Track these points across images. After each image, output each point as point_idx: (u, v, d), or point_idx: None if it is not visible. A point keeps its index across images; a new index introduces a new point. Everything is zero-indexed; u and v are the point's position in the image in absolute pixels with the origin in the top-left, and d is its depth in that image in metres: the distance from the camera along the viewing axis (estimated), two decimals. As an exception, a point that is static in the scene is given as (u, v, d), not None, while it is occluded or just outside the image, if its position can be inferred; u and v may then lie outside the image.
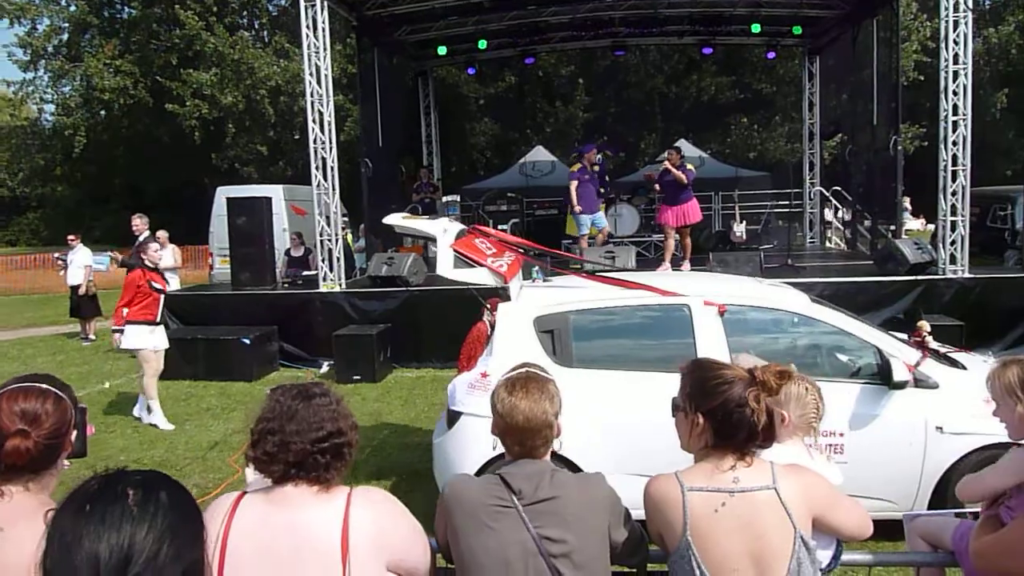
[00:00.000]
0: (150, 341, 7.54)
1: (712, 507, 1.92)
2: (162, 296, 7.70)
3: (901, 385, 4.24)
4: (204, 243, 16.60)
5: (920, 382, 4.30)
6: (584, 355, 4.65)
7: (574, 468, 4.20)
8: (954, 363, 4.70)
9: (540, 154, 19.10)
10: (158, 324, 7.66)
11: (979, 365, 4.63)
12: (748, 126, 28.20)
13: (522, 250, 5.73)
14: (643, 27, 15.24)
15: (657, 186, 10.86)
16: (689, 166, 10.57)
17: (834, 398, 4.26)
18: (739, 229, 13.64)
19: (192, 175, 29.59)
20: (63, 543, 1.14)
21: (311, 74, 10.46)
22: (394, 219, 5.62)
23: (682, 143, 18.53)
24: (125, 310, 7.48)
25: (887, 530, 3.60)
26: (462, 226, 5.40)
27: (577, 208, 11.23)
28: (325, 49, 10.43)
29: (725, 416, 1.95)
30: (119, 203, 32.44)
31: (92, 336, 13.12)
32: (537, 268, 5.76)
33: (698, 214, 10.56)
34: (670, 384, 2.20)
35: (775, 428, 1.98)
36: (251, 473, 1.97)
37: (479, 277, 5.02)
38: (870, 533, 2.18)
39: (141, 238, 11.08)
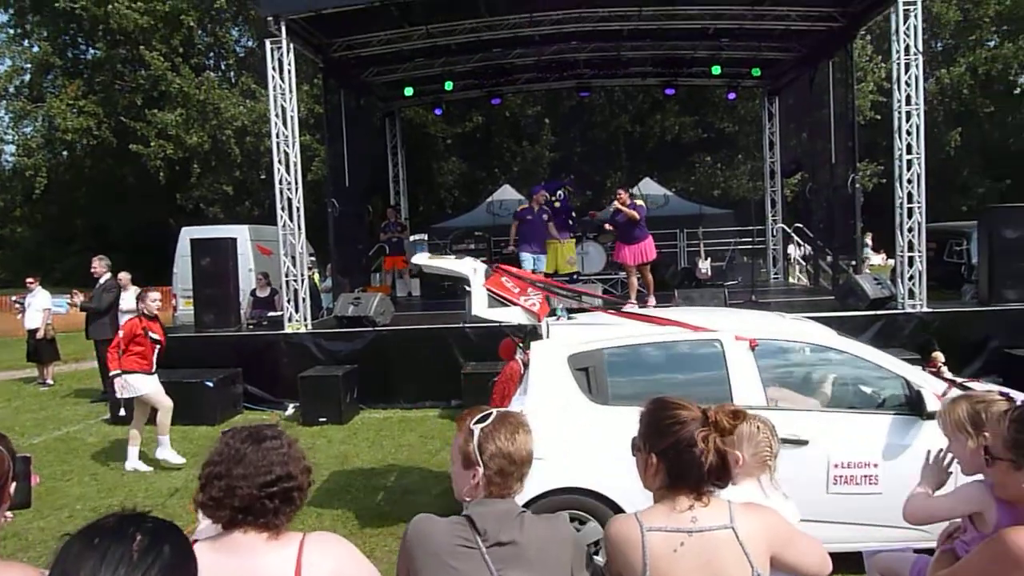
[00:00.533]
0: (147, 387, 7.52)
1: (671, 547, 1.93)
2: (158, 347, 7.63)
3: (933, 415, 4.27)
4: (168, 284, 16.40)
5: None
6: (620, 392, 4.63)
7: (616, 506, 4.20)
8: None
9: (507, 193, 19.27)
10: (152, 374, 7.59)
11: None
12: (711, 164, 28.78)
13: (543, 287, 5.74)
14: (607, 69, 15.58)
15: (609, 226, 11.00)
16: (639, 202, 10.73)
17: (867, 429, 4.36)
18: (704, 266, 13.83)
19: (157, 215, 29.32)
20: (64, 569, 1.21)
21: (277, 115, 10.50)
22: (421, 259, 5.61)
23: (647, 181, 18.90)
24: (116, 372, 7.43)
25: (849, 564, 3.63)
26: (487, 266, 5.41)
27: (510, 248, 11.46)
28: (291, 91, 10.49)
29: (676, 456, 1.98)
30: (81, 244, 31.95)
31: (50, 381, 12.82)
32: (561, 305, 5.78)
33: (653, 251, 10.71)
34: None
35: (728, 469, 2.00)
36: (203, 519, 1.94)
37: (513, 316, 5.02)
38: (829, 570, 2.20)
39: (101, 280, 10.95)
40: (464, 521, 2.01)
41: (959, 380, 5.05)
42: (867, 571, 2.79)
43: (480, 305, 4.98)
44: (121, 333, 7.57)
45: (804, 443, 4.28)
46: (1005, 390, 4.55)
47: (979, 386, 4.91)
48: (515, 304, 4.99)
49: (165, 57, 27.75)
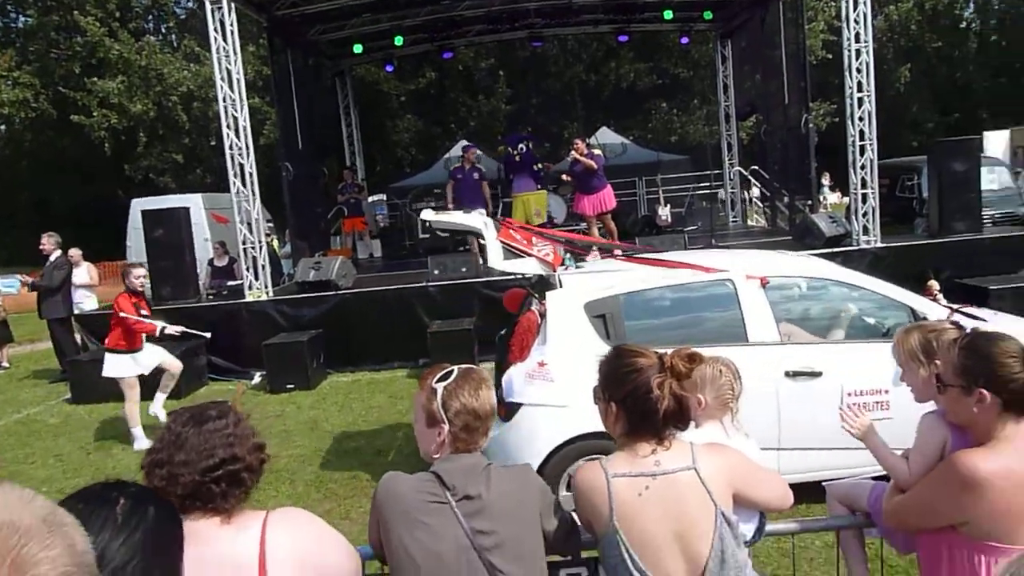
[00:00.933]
0: (133, 369, 7.27)
1: (636, 491, 1.97)
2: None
3: None
4: (122, 258, 16.05)
5: None
6: (637, 336, 4.69)
7: None
8: (975, 317, 4.86)
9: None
10: (141, 350, 7.33)
11: (993, 317, 4.87)
12: (668, 111, 28.77)
13: (548, 238, 5.71)
14: (558, 18, 15.37)
15: (567, 176, 10.99)
16: (596, 151, 10.75)
17: (876, 358, 4.37)
18: (664, 212, 13.88)
19: (104, 188, 28.53)
20: None
21: (222, 78, 10.18)
22: (428, 215, 5.55)
23: (604, 130, 18.81)
24: (160, 324, 7.29)
25: (812, 494, 3.74)
26: (493, 219, 5.38)
27: (449, 207, 11.43)
28: (235, 52, 10.16)
29: (634, 403, 2.01)
30: (25, 220, 31.01)
31: (5, 363, 12.51)
32: (568, 255, 5.78)
33: (613, 200, 10.76)
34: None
35: (686, 412, 2.04)
36: None
37: (529, 267, 5.02)
38: (790, 504, 2.27)
39: (52, 258, 10.66)
40: (432, 477, 2.02)
41: (956, 306, 5.18)
42: (827, 501, 2.88)
43: (496, 258, 4.98)
44: (118, 308, 7.18)
45: (818, 375, 4.44)
46: (1003, 315, 4.70)
47: (977, 311, 5.05)
48: (529, 255, 5.00)
49: (101, 22, 26.71)
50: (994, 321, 4.67)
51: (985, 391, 2.03)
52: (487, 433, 2.11)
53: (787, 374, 4.42)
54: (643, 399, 1.99)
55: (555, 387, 4.40)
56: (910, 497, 2.25)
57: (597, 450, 4.30)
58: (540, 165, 13.79)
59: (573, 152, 10.58)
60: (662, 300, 4.98)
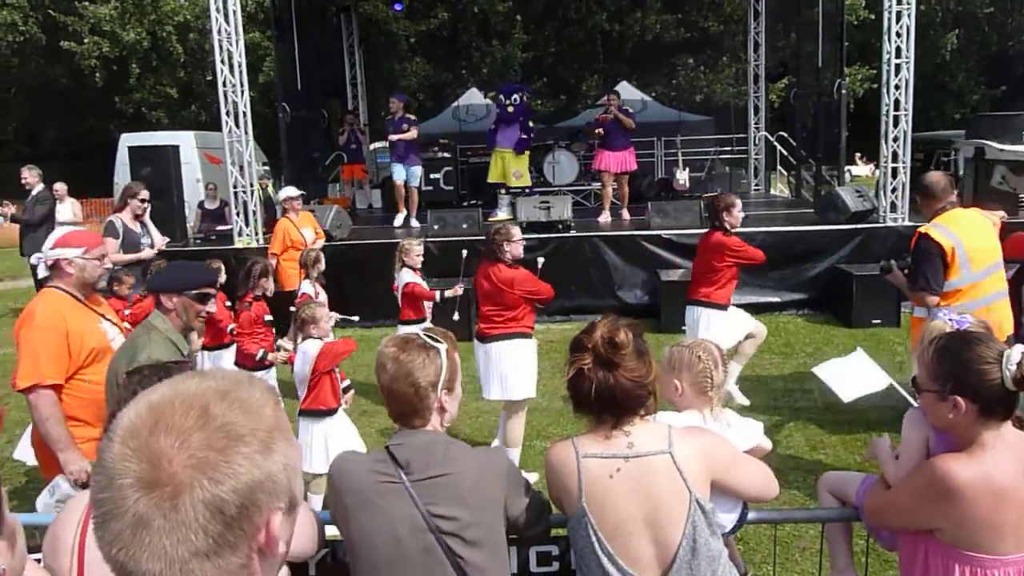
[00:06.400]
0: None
1: (607, 473, 1.97)
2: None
3: None
4: (110, 195, 16.04)
5: None
6: None
7: None
8: None
9: (474, 97, 18.85)
10: None
11: None
12: (694, 67, 28.32)
13: None
14: (581, -40, 15.06)
15: (600, 131, 10.96)
16: (628, 109, 10.78)
17: None
18: (682, 176, 13.74)
19: (95, 121, 28.44)
20: None
21: (218, 9, 10.04)
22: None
23: (624, 85, 18.53)
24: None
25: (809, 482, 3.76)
26: None
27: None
28: (233, -19, 10.03)
29: (575, 387, 2.05)
30: (13, 151, 31.02)
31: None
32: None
33: (634, 162, 10.79)
34: None
35: (626, 399, 2.00)
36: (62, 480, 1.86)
37: None
38: (775, 494, 2.27)
39: (34, 192, 10.66)
40: (385, 455, 2.00)
41: None
42: (818, 491, 2.89)
43: None
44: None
45: None
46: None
47: None
48: None
49: (95, -59, 26.37)
50: None
51: (959, 398, 1.99)
52: (396, 410, 2.07)
53: None
54: (570, 382, 2.04)
55: None
56: (889, 496, 2.25)
57: None
58: (556, 122, 13.61)
59: (612, 108, 10.68)
60: None
